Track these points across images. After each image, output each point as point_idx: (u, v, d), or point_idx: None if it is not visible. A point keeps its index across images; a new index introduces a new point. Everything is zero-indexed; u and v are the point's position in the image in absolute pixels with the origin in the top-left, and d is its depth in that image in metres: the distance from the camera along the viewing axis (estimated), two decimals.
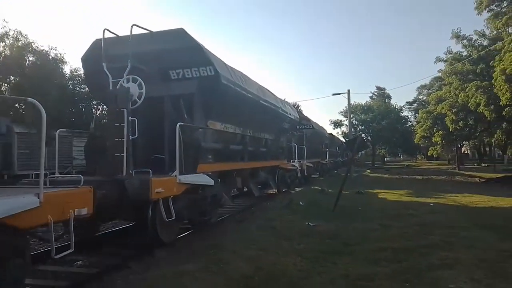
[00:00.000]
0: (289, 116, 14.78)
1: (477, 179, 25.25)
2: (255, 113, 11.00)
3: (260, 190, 12.84)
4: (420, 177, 26.36)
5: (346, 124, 48.91)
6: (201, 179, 7.22)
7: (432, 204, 11.94)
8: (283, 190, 15.27)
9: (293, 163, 16.38)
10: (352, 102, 36.20)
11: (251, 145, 11.22)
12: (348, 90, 30.19)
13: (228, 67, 8.87)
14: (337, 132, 52.17)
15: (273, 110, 12.44)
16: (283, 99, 15.96)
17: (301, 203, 11.97)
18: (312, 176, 22.83)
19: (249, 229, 7.96)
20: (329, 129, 46.56)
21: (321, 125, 32.79)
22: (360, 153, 50.63)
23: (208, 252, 6.08)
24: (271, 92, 13.08)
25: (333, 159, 35.44)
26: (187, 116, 7.24)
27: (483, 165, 45.89)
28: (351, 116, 37.77)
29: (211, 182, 7.39)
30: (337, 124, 54.05)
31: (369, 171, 37.23)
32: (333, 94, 31.99)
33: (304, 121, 20.66)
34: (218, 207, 8.51)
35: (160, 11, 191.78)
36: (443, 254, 5.96)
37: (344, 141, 42.60)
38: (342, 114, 53.03)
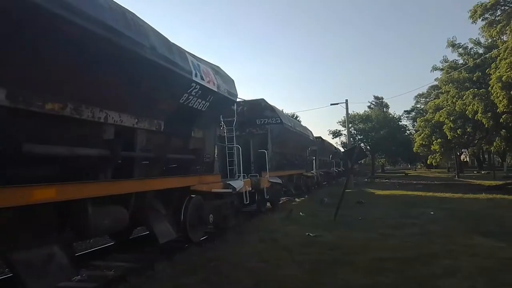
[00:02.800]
0: (192, 78, 6.61)
1: (477, 186, 25.21)
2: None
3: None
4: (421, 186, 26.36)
5: (345, 134, 49.02)
6: None
7: (432, 213, 11.90)
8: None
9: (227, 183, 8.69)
10: (350, 111, 36.39)
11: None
12: (346, 100, 30.27)
13: None
14: (336, 142, 52.28)
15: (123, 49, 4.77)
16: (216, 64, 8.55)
17: (301, 213, 11.94)
18: (290, 196, 17.14)
19: (250, 241, 7.93)
20: (328, 139, 46.02)
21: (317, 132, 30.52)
22: (359, 162, 50.63)
23: (208, 265, 6.04)
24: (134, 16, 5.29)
25: (325, 170, 29.40)
26: None
27: (482, 172, 45.85)
28: (350, 125, 37.85)
29: None
30: (336, 134, 54.27)
31: (367, 180, 36.82)
32: (331, 104, 31.96)
33: (268, 111, 13.63)
34: None
35: None
36: (445, 263, 5.94)
37: (338, 148, 39.33)
38: (340, 124, 53.23)
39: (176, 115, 6.67)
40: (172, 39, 6.33)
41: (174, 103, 6.50)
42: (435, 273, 5.44)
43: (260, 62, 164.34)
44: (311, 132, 22.54)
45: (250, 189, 10.27)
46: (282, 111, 15.76)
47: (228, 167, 10.13)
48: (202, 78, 6.97)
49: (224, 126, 10.89)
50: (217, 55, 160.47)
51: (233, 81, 9.08)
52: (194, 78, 6.65)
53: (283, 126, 13.89)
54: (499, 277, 5.19)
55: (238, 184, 9.26)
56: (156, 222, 6.35)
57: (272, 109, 13.88)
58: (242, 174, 10.24)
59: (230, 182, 8.84)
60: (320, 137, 28.91)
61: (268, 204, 13.71)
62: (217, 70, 8.25)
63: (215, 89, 7.57)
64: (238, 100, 11.07)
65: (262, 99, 13.96)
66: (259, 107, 13.60)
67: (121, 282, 5.38)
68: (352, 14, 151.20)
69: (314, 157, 23.02)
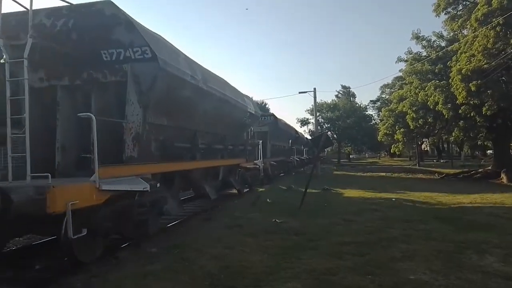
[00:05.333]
0: None
1: (436, 174, 26.61)
2: None
3: None
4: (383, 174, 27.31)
5: (312, 122, 49.69)
6: None
7: (394, 199, 12.35)
8: None
9: None
10: (318, 100, 36.83)
11: None
12: (314, 89, 30.69)
13: None
14: (304, 130, 52.97)
15: None
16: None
17: (268, 200, 12.04)
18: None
19: (216, 228, 7.92)
20: (297, 127, 46.15)
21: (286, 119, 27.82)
22: (325, 150, 51.61)
23: (173, 252, 5.99)
24: None
25: (281, 158, 23.27)
26: None
27: (441, 161, 48.05)
28: (318, 114, 38.35)
29: None
30: (304, 122, 54.96)
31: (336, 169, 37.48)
32: (300, 92, 32.28)
33: (122, 32, 6.23)
34: None
35: None
36: (404, 247, 6.18)
37: (300, 132, 36.71)
38: (308, 112, 53.90)
39: None
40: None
41: None
42: (394, 257, 5.65)
43: (229, 49, 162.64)
44: (253, 103, 15.06)
45: None
46: (166, 41, 7.57)
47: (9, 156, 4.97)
48: None
49: (6, 59, 5.19)
50: (183, 37, 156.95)
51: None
52: None
53: (159, 65, 6.31)
54: (454, 260, 5.46)
55: None
56: None
57: (130, 26, 6.26)
58: None
59: None
60: (273, 115, 22.66)
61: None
62: None
63: None
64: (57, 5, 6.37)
65: (108, 1, 6.24)
66: (102, 21, 6.25)
67: (83, 271, 5.23)
68: (320, 4, 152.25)
69: (261, 142, 16.49)
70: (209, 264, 5.34)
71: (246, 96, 13.39)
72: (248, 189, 14.70)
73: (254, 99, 22.36)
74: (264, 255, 5.87)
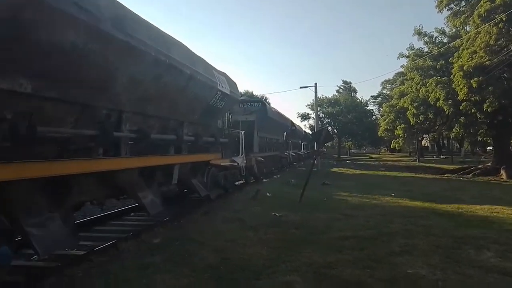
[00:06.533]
0: None
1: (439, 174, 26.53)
2: None
3: None
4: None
5: (313, 117, 49.70)
6: None
7: (393, 194, 12.39)
8: None
9: None
10: (319, 95, 36.80)
11: None
12: (315, 84, 30.54)
13: None
14: (304, 125, 53.01)
15: None
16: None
17: (268, 194, 12.08)
18: None
19: (216, 221, 7.96)
20: (297, 122, 45.95)
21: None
22: (325, 145, 51.61)
23: (173, 244, 6.04)
24: None
25: (273, 153, 20.39)
26: None
27: (441, 157, 48.11)
28: (318, 109, 38.32)
29: None
30: (304, 117, 54.97)
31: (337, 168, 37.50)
32: (301, 87, 32.30)
33: None
34: None
35: None
36: (403, 241, 6.22)
37: (296, 124, 34.20)
38: (309, 107, 53.92)
39: None
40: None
41: None
42: (393, 251, 5.70)
43: (230, 42, 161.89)
44: (230, 81, 10.81)
45: None
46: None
47: None
48: None
49: None
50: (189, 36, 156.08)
51: None
52: None
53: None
54: (452, 255, 5.50)
55: None
56: None
57: None
58: None
59: None
60: (260, 101, 19.36)
61: None
62: None
63: None
64: None
65: None
66: None
67: (85, 262, 5.29)
68: (326, 1, 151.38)
69: (243, 132, 13.04)
70: (209, 257, 5.39)
71: (220, 71, 10.13)
72: (223, 192, 11.35)
73: (255, 93, 21.49)
74: (264, 248, 5.91)
